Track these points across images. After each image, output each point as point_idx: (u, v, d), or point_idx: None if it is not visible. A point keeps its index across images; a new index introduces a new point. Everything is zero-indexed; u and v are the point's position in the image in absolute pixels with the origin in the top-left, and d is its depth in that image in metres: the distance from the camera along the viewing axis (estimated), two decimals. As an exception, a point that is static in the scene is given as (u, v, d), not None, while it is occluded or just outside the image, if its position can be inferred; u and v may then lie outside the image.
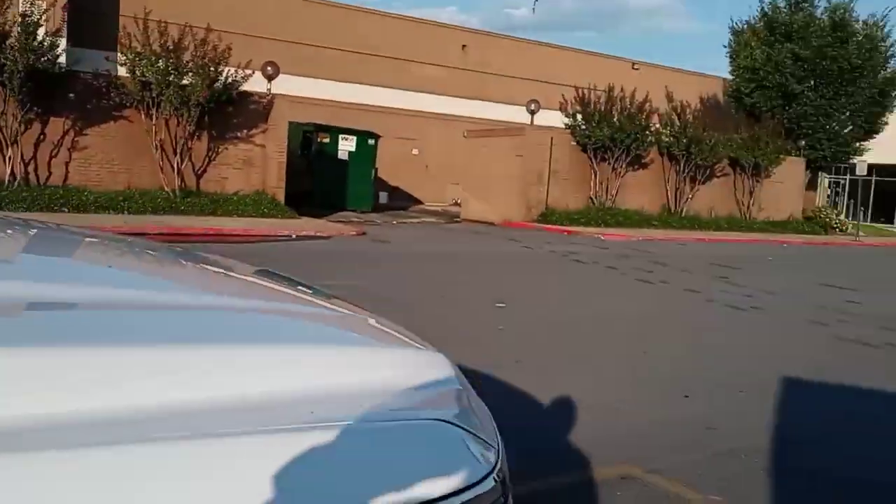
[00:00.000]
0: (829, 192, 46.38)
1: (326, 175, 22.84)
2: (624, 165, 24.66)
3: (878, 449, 5.25)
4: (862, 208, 45.61)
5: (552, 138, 23.77)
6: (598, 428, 5.12)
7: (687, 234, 23.82)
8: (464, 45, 32.30)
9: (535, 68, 32.74)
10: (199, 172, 18.28)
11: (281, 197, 18.90)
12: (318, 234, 16.09)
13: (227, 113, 18.38)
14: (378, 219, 22.05)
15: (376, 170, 23.98)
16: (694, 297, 11.39)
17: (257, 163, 18.97)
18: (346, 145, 23.33)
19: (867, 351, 8.45)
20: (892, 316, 10.95)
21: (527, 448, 4.62)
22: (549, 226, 22.59)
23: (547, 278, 12.79)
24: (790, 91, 29.40)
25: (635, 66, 35.76)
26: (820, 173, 39.70)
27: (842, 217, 32.86)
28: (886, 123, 31.03)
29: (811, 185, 36.50)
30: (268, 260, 12.77)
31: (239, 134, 18.71)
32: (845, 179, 43.06)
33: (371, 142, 23.67)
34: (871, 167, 40.30)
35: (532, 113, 24.98)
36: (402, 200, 29.87)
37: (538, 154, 23.64)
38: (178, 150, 17.54)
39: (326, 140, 23.08)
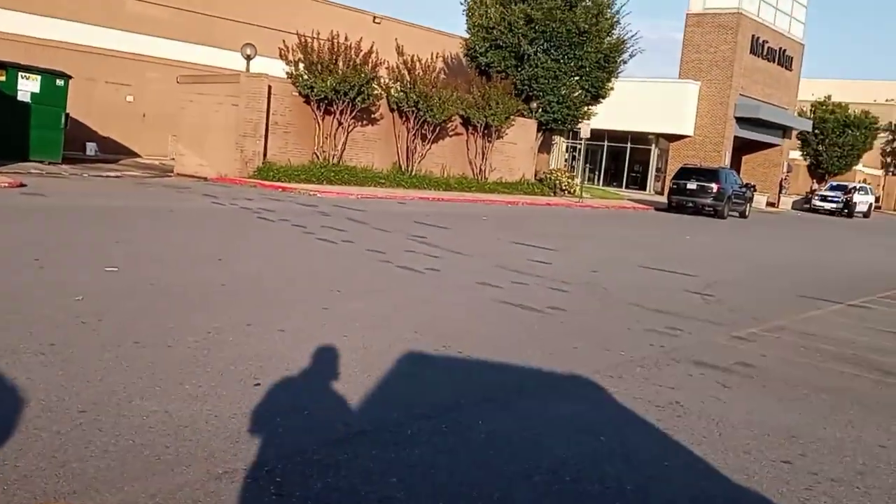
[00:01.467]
0: (566, 156, 48.20)
1: (2, 119, 19.54)
2: (350, 120, 23.36)
3: (413, 459, 4.18)
4: (594, 172, 48.17)
5: (270, 87, 21.91)
6: (68, 444, 3.64)
7: (413, 193, 23.07)
8: (189, -15, 29.35)
9: (271, 16, 30.44)
10: None
11: (-77, 141, 15.69)
12: (-48, 185, 13.33)
13: None
14: (67, 171, 19.20)
15: (68, 115, 20.89)
16: (370, 258, 10.28)
17: None
18: (28, 86, 20.07)
19: (523, 316, 7.68)
20: (573, 276, 10.48)
21: None
22: (266, 182, 20.87)
23: (206, 237, 11.14)
24: (523, 52, 29.46)
25: (377, 20, 34.54)
26: (557, 137, 40.82)
27: (576, 180, 33.72)
28: (612, 89, 32.03)
29: (546, 148, 37.32)
30: None
31: None
32: (581, 144, 44.89)
33: (60, 83, 20.55)
34: (602, 132, 42.27)
35: (248, 58, 22.84)
36: (115, 153, 26.69)
37: (255, 104, 21.73)
38: None
39: (2, 79, 19.69)
